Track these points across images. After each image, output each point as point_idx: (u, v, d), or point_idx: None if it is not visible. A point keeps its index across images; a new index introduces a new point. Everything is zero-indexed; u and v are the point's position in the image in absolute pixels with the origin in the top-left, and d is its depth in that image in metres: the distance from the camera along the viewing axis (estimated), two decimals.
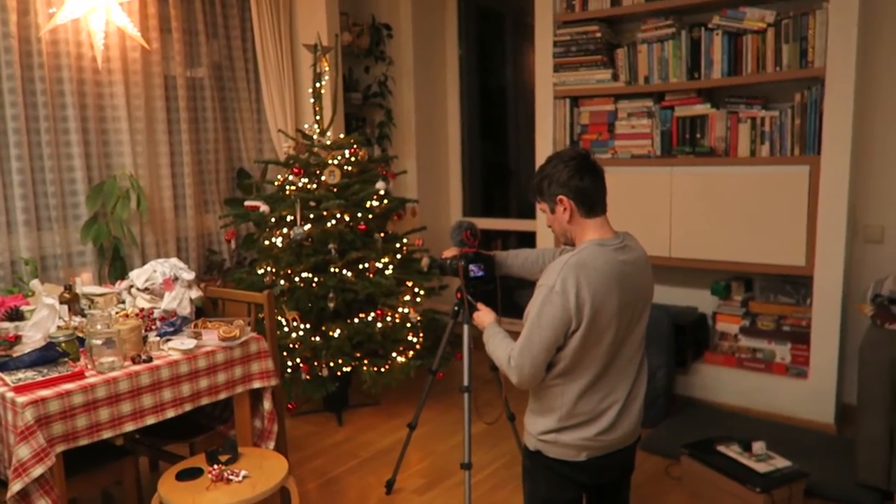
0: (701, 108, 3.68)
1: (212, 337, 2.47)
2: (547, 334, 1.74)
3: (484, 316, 2.12)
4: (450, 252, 2.51)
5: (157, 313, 2.65)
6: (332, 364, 3.54)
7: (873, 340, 2.85)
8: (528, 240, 4.82)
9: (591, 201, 1.83)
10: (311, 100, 3.90)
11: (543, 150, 4.19)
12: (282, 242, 3.67)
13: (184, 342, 2.39)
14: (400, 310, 3.75)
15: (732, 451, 2.87)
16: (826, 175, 3.32)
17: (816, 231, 3.37)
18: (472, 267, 2.47)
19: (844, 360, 3.53)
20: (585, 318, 1.72)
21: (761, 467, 2.76)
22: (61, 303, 2.60)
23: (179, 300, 2.72)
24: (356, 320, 3.63)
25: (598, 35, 3.89)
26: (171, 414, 2.30)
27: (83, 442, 2.08)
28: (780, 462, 2.80)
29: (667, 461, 3.21)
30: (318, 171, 3.73)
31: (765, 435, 3.04)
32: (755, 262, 3.55)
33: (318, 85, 3.86)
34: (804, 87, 3.39)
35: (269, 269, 3.69)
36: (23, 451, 1.94)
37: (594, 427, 1.81)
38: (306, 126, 4.07)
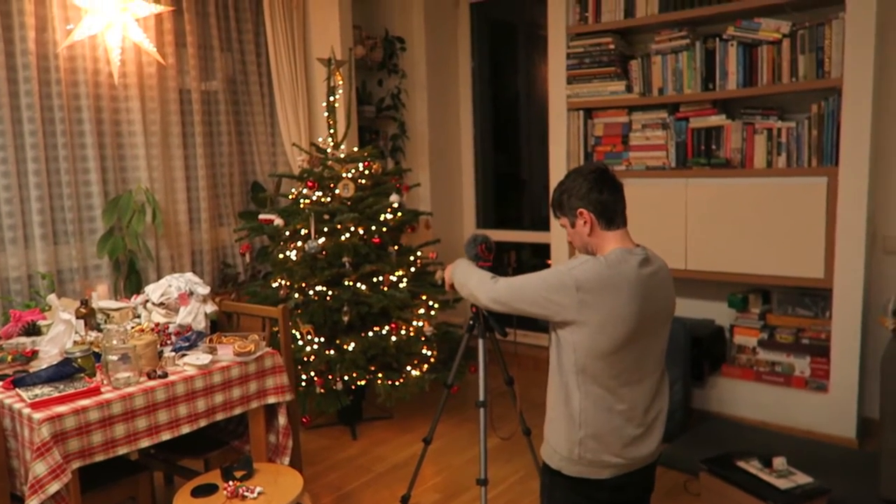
0: (716, 120, 3.65)
1: (227, 352, 2.47)
2: (537, 284, 1.79)
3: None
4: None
5: (172, 328, 2.65)
6: (346, 377, 3.52)
7: (895, 353, 2.80)
8: (542, 252, 4.80)
9: (611, 214, 1.83)
10: (325, 113, 3.92)
11: (557, 162, 4.18)
12: (296, 255, 3.68)
13: (199, 357, 2.39)
14: (414, 323, 3.74)
15: (752, 467, 2.83)
16: (844, 186, 3.28)
17: (835, 242, 3.33)
18: None
19: (865, 374, 3.48)
20: (595, 312, 1.70)
21: (782, 483, 2.71)
22: (77, 318, 2.61)
23: (194, 315, 2.72)
24: (370, 333, 3.62)
25: (612, 47, 3.88)
26: (186, 430, 2.29)
27: (99, 458, 2.08)
28: (802, 478, 2.75)
29: (685, 476, 3.16)
30: (332, 185, 3.74)
31: (784, 450, 3.00)
32: (773, 274, 3.51)
33: (331, 98, 3.87)
34: (821, 98, 3.36)
35: (283, 282, 3.70)
36: (39, 468, 1.94)
37: (617, 444, 1.78)
38: (320, 139, 4.08)
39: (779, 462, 2.80)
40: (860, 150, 3.23)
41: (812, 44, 3.33)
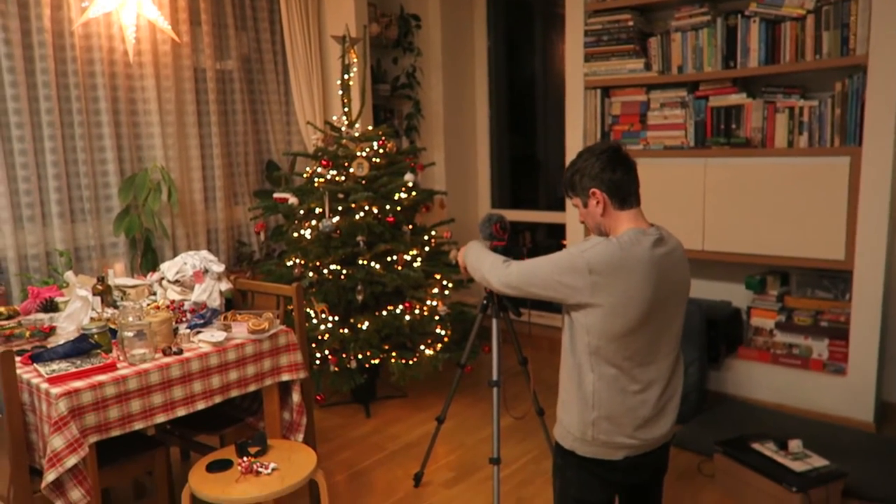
0: (736, 98, 3.59)
1: (241, 329, 2.47)
2: (549, 267, 1.77)
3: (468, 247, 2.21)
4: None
5: (187, 305, 2.66)
6: (360, 356, 3.54)
7: None
8: (557, 232, 4.77)
9: (624, 193, 1.80)
10: (340, 92, 3.90)
11: (574, 141, 4.14)
12: (310, 234, 3.68)
13: (214, 334, 2.40)
14: (428, 302, 3.73)
15: (768, 450, 2.81)
16: (867, 166, 3.21)
17: (857, 224, 3.27)
18: None
19: (885, 357, 3.43)
20: (608, 295, 1.68)
21: (798, 466, 2.69)
22: (94, 294, 2.63)
23: (209, 292, 2.73)
24: (384, 313, 3.62)
25: (631, 24, 3.81)
26: (201, 406, 2.31)
27: (115, 433, 2.10)
28: (818, 461, 2.73)
29: (699, 458, 3.15)
30: (346, 164, 3.72)
31: (801, 433, 2.97)
32: (792, 255, 3.46)
33: (346, 77, 3.85)
34: (845, 76, 3.29)
35: (297, 261, 3.70)
36: (57, 442, 1.96)
37: (630, 425, 1.77)
38: (335, 118, 4.06)
39: (794, 445, 2.78)
40: (885, 129, 3.16)
41: (837, 20, 3.25)
